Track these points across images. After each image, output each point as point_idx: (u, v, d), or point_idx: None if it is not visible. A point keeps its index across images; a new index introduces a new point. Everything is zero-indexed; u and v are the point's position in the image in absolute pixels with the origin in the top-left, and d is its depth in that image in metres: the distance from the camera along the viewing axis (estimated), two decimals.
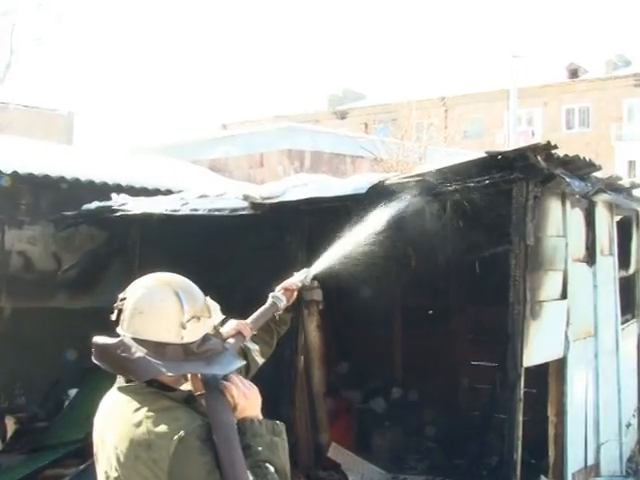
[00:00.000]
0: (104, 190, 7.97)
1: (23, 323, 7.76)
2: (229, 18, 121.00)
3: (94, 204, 7.61)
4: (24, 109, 24.16)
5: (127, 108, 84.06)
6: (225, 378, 2.07)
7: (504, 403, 4.92)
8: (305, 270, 3.15)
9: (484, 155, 4.79)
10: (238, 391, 2.05)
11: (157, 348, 2.02)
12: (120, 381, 2.10)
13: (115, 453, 1.99)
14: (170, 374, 2.01)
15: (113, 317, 2.13)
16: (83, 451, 6.18)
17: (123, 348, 2.02)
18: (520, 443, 4.69)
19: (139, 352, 2.00)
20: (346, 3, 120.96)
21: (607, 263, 6.30)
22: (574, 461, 5.42)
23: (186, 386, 2.17)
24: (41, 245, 8.18)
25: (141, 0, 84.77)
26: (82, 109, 71.30)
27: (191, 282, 2.20)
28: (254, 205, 5.97)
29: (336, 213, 6.18)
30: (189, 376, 2.12)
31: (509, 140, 26.50)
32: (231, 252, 7.06)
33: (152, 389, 2.03)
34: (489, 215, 5.40)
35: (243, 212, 6.05)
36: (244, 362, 2.27)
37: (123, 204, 7.26)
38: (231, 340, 2.57)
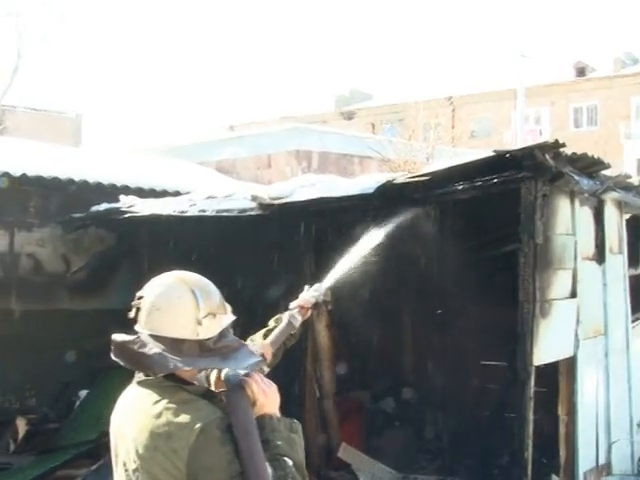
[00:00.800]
0: (112, 192, 7.99)
1: (33, 325, 7.78)
2: (236, 19, 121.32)
3: (103, 206, 7.64)
4: (32, 112, 24.25)
5: (134, 110, 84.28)
6: (246, 375, 2.10)
7: (514, 402, 4.91)
8: (317, 286, 3.23)
9: (492, 154, 4.78)
10: (258, 387, 2.07)
11: (174, 344, 2.06)
12: (139, 376, 2.14)
13: (134, 445, 2.02)
14: (187, 369, 2.05)
15: (131, 315, 2.16)
16: (94, 452, 6.20)
17: (140, 344, 2.06)
18: (531, 442, 4.69)
19: (156, 348, 2.04)
20: (353, 3, 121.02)
21: (616, 261, 6.28)
22: (585, 460, 5.41)
23: None
24: (50, 247, 8.21)
25: (148, 0, 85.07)
26: (90, 111, 71.79)
27: (207, 280, 2.22)
28: (262, 206, 5.98)
29: (344, 213, 6.21)
30: (212, 377, 2.14)
31: (517, 139, 26.41)
32: (239, 252, 7.06)
33: (171, 383, 2.07)
34: (498, 214, 5.39)
35: (251, 213, 6.05)
36: (260, 358, 2.29)
37: (131, 206, 7.28)
38: None
